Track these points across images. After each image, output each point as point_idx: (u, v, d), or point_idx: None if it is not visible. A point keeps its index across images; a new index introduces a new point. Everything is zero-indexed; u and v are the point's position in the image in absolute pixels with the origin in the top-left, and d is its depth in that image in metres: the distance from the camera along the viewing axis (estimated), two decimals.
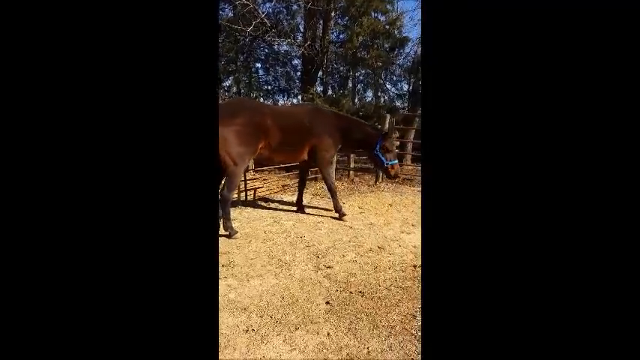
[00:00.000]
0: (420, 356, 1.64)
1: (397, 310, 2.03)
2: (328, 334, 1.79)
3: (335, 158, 4.53)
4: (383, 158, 3.68)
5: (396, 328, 1.85)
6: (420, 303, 2.13)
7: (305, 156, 3.64)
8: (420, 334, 1.81)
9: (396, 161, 3.76)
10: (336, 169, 6.35)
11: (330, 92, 9.20)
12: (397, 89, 10.01)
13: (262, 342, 1.70)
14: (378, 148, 3.67)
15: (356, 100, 9.63)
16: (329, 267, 2.59)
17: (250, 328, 1.81)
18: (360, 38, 8.04)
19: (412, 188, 5.78)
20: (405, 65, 9.38)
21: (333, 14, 8.02)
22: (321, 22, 8.06)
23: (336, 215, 3.83)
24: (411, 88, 9.56)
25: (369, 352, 1.66)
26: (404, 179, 6.30)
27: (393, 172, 3.75)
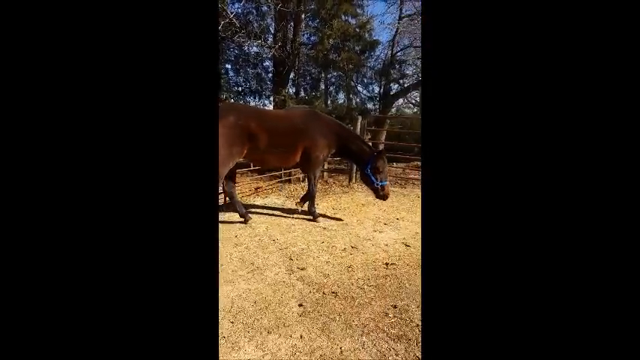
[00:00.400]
0: (392, 353, 1.66)
1: (370, 309, 2.05)
2: (301, 336, 1.77)
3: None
4: (373, 178, 3.65)
5: (369, 327, 1.86)
6: (392, 300, 2.16)
7: (298, 158, 3.61)
8: (393, 331, 1.84)
9: (387, 182, 3.72)
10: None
11: (302, 94, 9.19)
12: (369, 91, 10.18)
13: (233, 349, 1.65)
14: (369, 168, 3.63)
15: (328, 102, 9.69)
16: (302, 269, 2.56)
17: (221, 336, 1.74)
18: (331, 41, 8.11)
19: None
20: (376, 68, 9.57)
21: (303, 16, 8.03)
22: (292, 24, 8.05)
23: (311, 217, 3.83)
24: (381, 90, 9.76)
25: (341, 352, 1.66)
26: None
27: (382, 193, 3.69)
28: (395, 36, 9.34)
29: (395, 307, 2.08)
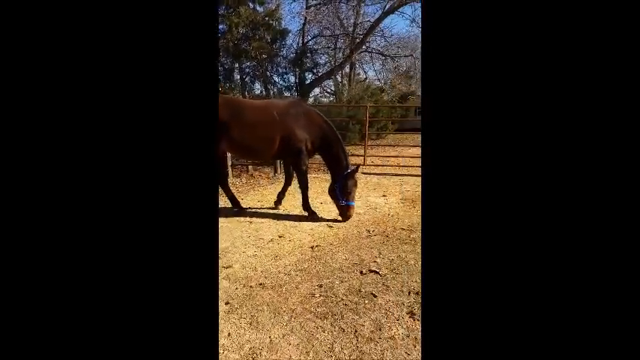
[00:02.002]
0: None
1: (297, 293, 2.09)
2: (229, 334, 1.71)
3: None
4: (340, 196, 3.38)
5: (297, 311, 1.90)
6: (318, 280, 2.24)
7: (275, 150, 3.45)
8: (319, 310, 1.91)
9: (353, 203, 3.44)
10: (234, 165, 6.11)
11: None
12: (285, 81, 10.15)
13: None
14: (340, 185, 3.37)
15: (245, 92, 9.37)
16: (228, 267, 2.47)
17: None
18: (241, 29, 7.81)
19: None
20: (289, 57, 9.56)
21: None
22: None
23: (235, 211, 3.74)
24: (297, 80, 9.82)
25: (271, 340, 1.66)
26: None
27: (347, 214, 3.41)
28: (304, 25, 9.42)
29: (320, 286, 2.16)
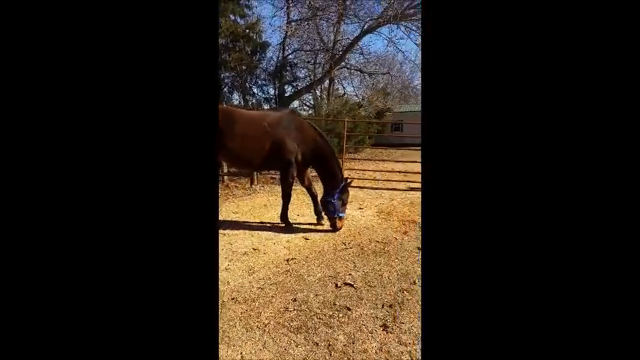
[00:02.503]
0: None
1: (270, 307, 2.04)
2: None
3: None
4: (339, 209, 3.42)
5: (270, 325, 1.85)
6: (292, 294, 2.20)
7: (265, 160, 3.45)
8: (293, 324, 1.87)
9: (344, 214, 3.54)
10: None
11: None
12: (264, 92, 10.17)
13: None
14: (335, 197, 3.40)
15: (223, 103, 9.29)
16: None
17: None
18: (221, 40, 7.80)
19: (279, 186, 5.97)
20: (269, 69, 9.63)
21: None
22: None
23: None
24: (276, 92, 9.88)
25: (242, 357, 1.60)
26: (274, 178, 6.45)
27: (338, 225, 3.47)
28: (285, 39, 9.56)
29: (295, 300, 2.12)
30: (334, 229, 3.49)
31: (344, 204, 3.48)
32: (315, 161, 3.55)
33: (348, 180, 3.51)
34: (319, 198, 3.65)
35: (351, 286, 2.33)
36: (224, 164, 5.06)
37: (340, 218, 3.48)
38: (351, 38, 10.02)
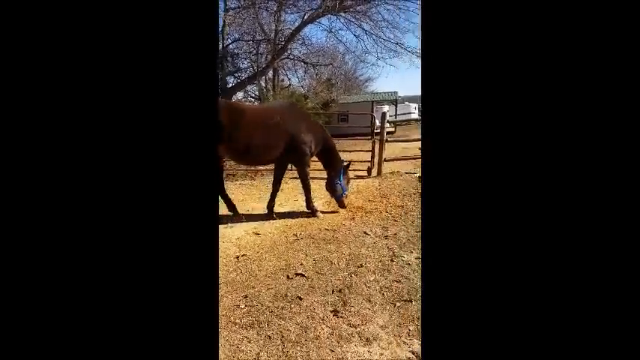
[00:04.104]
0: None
1: (222, 305, 1.99)
2: None
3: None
4: (345, 188, 3.87)
5: (221, 324, 1.82)
6: (243, 291, 2.17)
7: (279, 153, 3.52)
8: (244, 320, 1.86)
9: (347, 192, 4.00)
10: None
11: None
12: None
13: None
14: (342, 178, 3.84)
15: None
16: None
17: None
18: None
19: (233, 183, 5.81)
20: None
21: None
22: None
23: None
24: (220, 83, 9.44)
25: None
26: (227, 174, 6.22)
27: (345, 202, 3.93)
28: (223, 28, 9.12)
29: (246, 296, 2.11)
30: (342, 206, 3.92)
31: (348, 182, 4.00)
32: (322, 151, 3.88)
33: (345, 163, 3.98)
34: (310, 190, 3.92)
35: (303, 275, 2.37)
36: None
37: (346, 196, 3.96)
38: (292, 28, 9.91)
